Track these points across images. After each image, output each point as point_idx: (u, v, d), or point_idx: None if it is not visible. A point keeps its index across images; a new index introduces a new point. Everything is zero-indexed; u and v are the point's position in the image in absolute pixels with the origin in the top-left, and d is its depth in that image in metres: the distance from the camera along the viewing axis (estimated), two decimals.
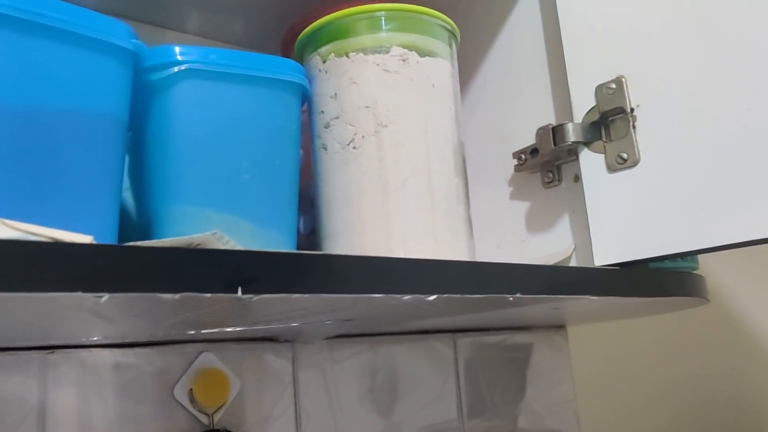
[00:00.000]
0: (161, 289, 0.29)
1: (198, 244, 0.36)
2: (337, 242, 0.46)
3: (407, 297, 0.37)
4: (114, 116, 0.40)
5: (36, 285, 0.27)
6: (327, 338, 0.71)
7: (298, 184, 0.47)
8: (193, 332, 0.58)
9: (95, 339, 0.56)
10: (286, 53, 0.64)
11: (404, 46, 0.46)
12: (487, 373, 0.84)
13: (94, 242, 0.31)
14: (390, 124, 0.45)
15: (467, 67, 0.65)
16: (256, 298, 0.32)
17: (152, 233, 0.43)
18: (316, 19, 0.57)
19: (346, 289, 0.35)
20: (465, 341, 0.82)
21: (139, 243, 0.33)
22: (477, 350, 0.83)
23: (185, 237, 0.35)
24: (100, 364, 0.58)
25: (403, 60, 0.46)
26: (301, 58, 0.51)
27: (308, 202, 0.53)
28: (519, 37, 0.61)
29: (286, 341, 0.69)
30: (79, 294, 0.27)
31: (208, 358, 0.63)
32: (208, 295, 0.30)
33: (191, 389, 0.61)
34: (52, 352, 0.56)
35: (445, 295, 0.39)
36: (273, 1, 0.66)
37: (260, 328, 0.60)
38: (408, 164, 0.45)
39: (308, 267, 0.34)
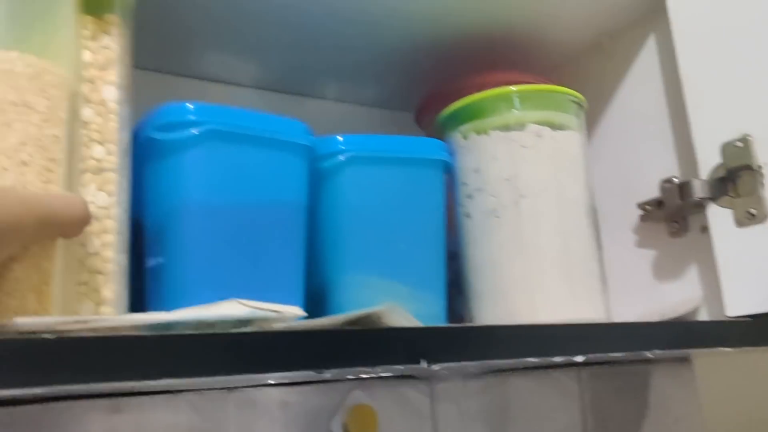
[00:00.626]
0: (365, 363, 0.36)
1: (377, 316, 0.43)
2: (484, 304, 0.51)
3: (558, 359, 0.42)
4: (298, 203, 0.48)
5: (273, 365, 0.34)
6: (462, 375, 0.76)
7: (445, 249, 0.53)
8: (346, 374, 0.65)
9: (265, 381, 0.65)
10: (420, 118, 0.71)
11: (538, 123, 0.51)
12: (612, 407, 0.86)
13: (303, 313, 0.38)
14: (529, 195, 0.50)
15: (588, 120, 0.69)
16: (436, 367, 0.38)
17: (325, 298, 0.51)
18: (449, 88, 0.63)
19: (507, 355, 0.40)
20: (589, 374, 0.85)
21: (332, 319, 0.40)
22: (601, 384, 0.86)
23: (366, 309, 0.42)
24: (269, 402, 0.66)
25: (538, 136, 0.51)
26: (441, 133, 0.57)
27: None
28: (639, 91, 0.65)
29: (425, 379, 0.75)
30: (306, 372, 0.34)
31: (358, 395, 0.70)
32: (401, 366, 0.37)
33: (345, 423, 0.68)
34: (230, 392, 0.65)
35: (593, 355, 0.43)
36: (403, 68, 0.73)
37: (401, 368, 0.66)
38: (546, 231, 0.50)
39: (476, 338, 0.39)
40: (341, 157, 0.50)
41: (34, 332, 0.30)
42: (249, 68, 0.71)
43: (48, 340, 0.29)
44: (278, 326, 0.38)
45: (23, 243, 0.32)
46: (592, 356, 0.60)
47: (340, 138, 0.51)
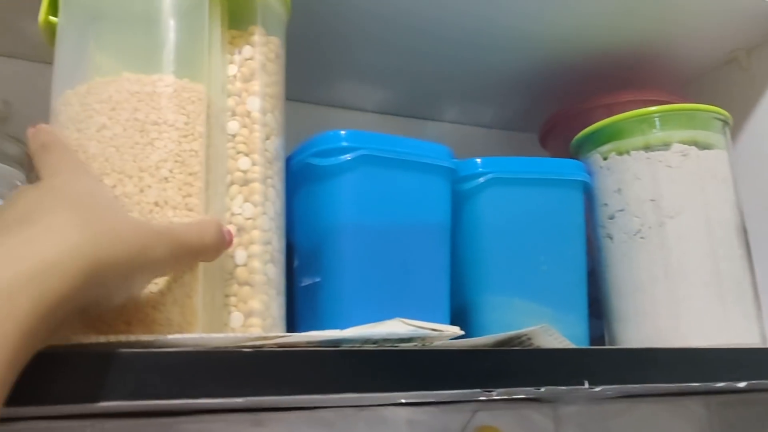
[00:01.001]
0: (531, 384, 0.36)
1: (527, 337, 0.43)
2: (627, 326, 0.50)
3: (720, 384, 0.41)
4: (443, 224, 0.49)
5: (442, 382, 0.35)
6: (587, 399, 0.75)
7: (586, 271, 0.53)
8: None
9: (394, 400, 0.66)
10: (545, 139, 0.71)
11: (684, 142, 0.51)
12: None
13: (462, 332, 0.39)
14: (675, 216, 0.50)
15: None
16: (598, 388, 0.38)
17: (467, 319, 0.51)
18: (578, 109, 0.63)
19: (669, 380, 0.40)
20: (718, 403, 0.82)
21: (482, 340, 0.40)
22: (732, 412, 0.82)
23: (515, 332, 0.42)
24: (397, 420, 0.67)
25: (684, 155, 0.50)
26: (576, 154, 0.57)
27: None
28: None
29: (548, 401, 0.74)
30: (476, 390, 0.35)
31: (483, 417, 0.70)
32: (564, 387, 0.37)
33: None
34: (362, 410, 0.66)
35: (756, 381, 0.42)
36: (526, 90, 0.73)
37: (525, 390, 0.66)
38: (694, 253, 0.49)
39: (639, 361, 0.39)
40: (481, 179, 0.51)
41: (223, 347, 0.32)
42: (376, 94, 0.74)
43: (246, 353, 0.31)
44: (438, 344, 0.39)
45: (161, 274, 0.33)
46: (747, 383, 0.58)
47: (478, 160, 0.52)
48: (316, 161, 0.46)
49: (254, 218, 0.40)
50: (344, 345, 0.36)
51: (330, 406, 0.65)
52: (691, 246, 0.49)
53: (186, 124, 0.37)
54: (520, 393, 0.37)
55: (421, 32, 0.61)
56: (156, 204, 0.35)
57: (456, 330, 0.39)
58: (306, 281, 0.48)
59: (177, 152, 0.36)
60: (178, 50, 0.39)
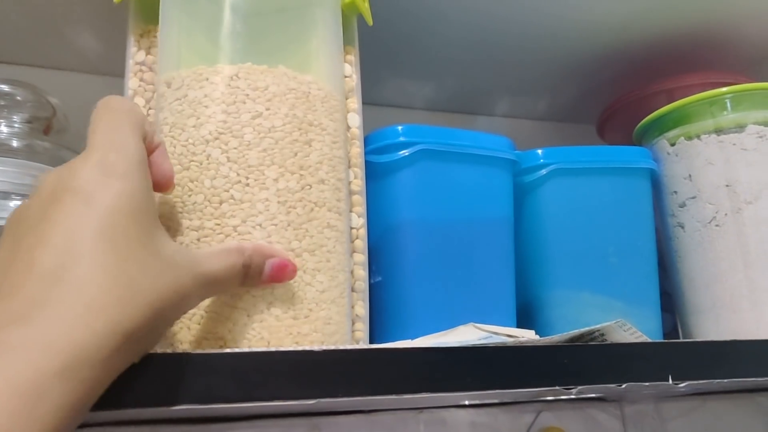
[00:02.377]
0: (612, 380, 0.34)
1: (600, 333, 0.41)
2: (703, 320, 0.48)
3: None
4: (506, 218, 0.47)
5: (522, 380, 0.33)
6: (654, 397, 0.72)
7: (657, 262, 0.50)
8: (533, 396, 0.63)
9: (455, 402, 0.64)
10: (602, 129, 0.68)
11: (760, 123, 0.48)
12: None
13: (538, 337, 0.37)
14: (753, 201, 0.47)
15: None
16: (683, 385, 0.36)
17: (533, 316, 0.49)
18: (638, 95, 0.61)
19: (756, 373, 0.37)
20: None
21: (555, 338, 0.38)
22: None
23: (587, 328, 0.40)
24: (458, 422, 0.65)
25: (761, 137, 0.47)
26: (640, 142, 0.55)
27: None
28: None
29: (613, 401, 0.71)
30: (556, 388, 0.33)
31: (547, 418, 0.68)
32: (647, 384, 0.35)
33: None
34: (421, 412, 0.65)
35: None
36: (580, 80, 0.71)
37: (589, 388, 0.63)
38: None
39: (723, 354, 0.37)
40: (543, 171, 0.49)
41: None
42: (424, 91, 0.72)
43: (316, 352, 0.30)
44: (512, 341, 0.37)
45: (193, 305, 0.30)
46: None
47: (540, 151, 0.50)
48: (374, 158, 0.45)
49: (359, 228, 0.41)
50: None
51: (388, 409, 0.64)
52: None
53: (335, 131, 0.38)
54: (601, 390, 0.35)
55: (470, 25, 0.59)
56: (316, 204, 0.35)
57: (532, 334, 0.38)
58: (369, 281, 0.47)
59: (330, 156, 0.37)
60: (328, 58, 0.39)
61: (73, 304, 0.24)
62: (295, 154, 0.35)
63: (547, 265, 0.49)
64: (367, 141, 0.46)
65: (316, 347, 0.31)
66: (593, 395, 0.69)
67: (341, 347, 0.31)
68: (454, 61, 0.65)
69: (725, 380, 0.36)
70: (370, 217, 0.46)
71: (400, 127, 0.45)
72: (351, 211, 0.40)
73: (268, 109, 0.35)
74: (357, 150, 0.41)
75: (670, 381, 0.35)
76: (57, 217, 0.26)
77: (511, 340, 0.36)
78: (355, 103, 0.42)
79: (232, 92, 0.35)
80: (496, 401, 0.66)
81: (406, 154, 0.44)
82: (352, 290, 0.38)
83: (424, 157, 0.44)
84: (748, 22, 0.62)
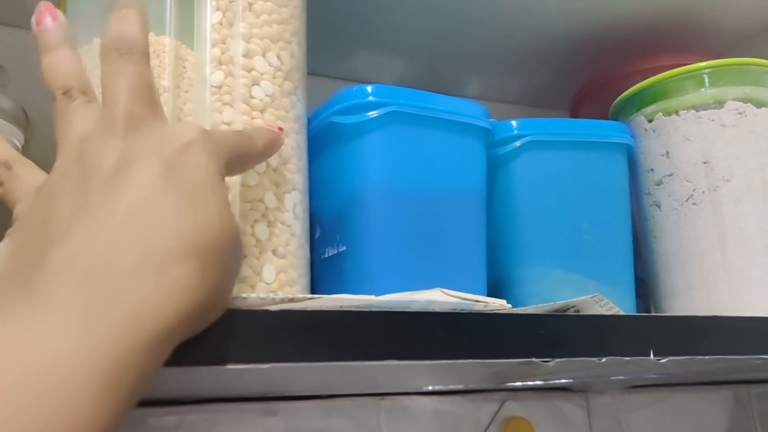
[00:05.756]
0: (591, 354, 0.32)
1: (575, 308, 0.39)
2: (679, 300, 0.46)
3: None
4: (478, 190, 0.45)
5: (491, 350, 0.31)
6: (620, 388, 0.71)
7: (632, 241, 0.49)
8: (497, 383, 0.61)
9: (417, 388, 0.62)
10: (575, 110, 0.67)
11: (739, 100, 0.46)
12: None
13: (509, 306, 0.35)
14: (731, 179, 0.45)
15: None
16: (664, 360, 0.34)
17: (504, 293, 0.47)
18: (613, 75, 0.59)
19: (739, 351, 0.35)
20: (758, 392, 0.77)
21: (531, 312, 0.36)
22: None
23: (562, 302, 0.38)
24: (420, 410, 0.63)
25: (740, 113, 0.46)
26: (616, 119, 0.53)
27: None
28: None
29: (579, 391, 0.70)
30: (532, 359, 0.31)
31: (512, 407, 0.66)
32: (627, 358, 0.33)
33: None
34: (382, 399, 0.62)
35: None
36: (552, 63, 0.69)
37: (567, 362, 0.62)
38: (753, 218, 0.45)
39: (705, 330, 0.35)
40: (517, 143, 0.47)
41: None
42: (395, 67, 0.70)
43: (272, 313, 0.27)
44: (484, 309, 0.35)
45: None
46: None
47: (514, 123, 0.48)
48: (340, 119, 0.42)
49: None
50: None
51: (348, 395, 0.61)
52: (748, 211, 0.45)
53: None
54: (578, 364, 0.33)
55: (442, 2, 0.57)
56: None
57: (503, 303, 0.35)
58: (329, 252, 0.44)
59: None
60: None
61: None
62: None
63: (520, 240, 0.47)
64: (333, 100, 0.43)
65: (273, 307, 0.27)
66: (559, 384, 0.67)
67: (296, 307, 0.28)
68: (425, 37, 0.63)
69: (706, 357, 0.34)
70: (335, 183, 0.43)
71: (369, 87, 0.42)
72: None
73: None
74: (240, 81, 0.37)
75: (652, 356, 0.33)
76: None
77: (480, 305, 0.33)
78: (240, 28, 0.38)
79: None
80: (460, 388, 0.64)
81: (376, 115, 0.41)
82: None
83: (395, 119, 0.42)
84: (722, 8, 0.61)
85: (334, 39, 0.64)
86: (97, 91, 0.30)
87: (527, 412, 0.66)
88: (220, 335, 0.26)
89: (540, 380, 0.59)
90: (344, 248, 0.42)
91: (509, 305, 0.34)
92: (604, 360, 0.32)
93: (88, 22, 0.38)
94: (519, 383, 0.63)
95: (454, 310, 0.34)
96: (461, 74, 0.72)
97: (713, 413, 0.74)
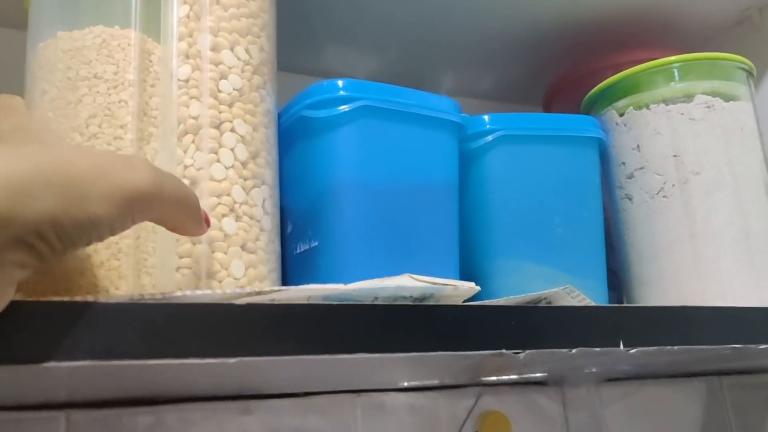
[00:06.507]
0: (562, 345, 0.32)
1: (547, 299, 0.39)
2: (650, 291, 0.47)
3: (763, 346, 0.37)
4: (450, 184, 0.45)
5: (463, 342, 0.31)
6: (594, 382, 0.71)
7: (604, 234, 0.49)
8: (473, 378, 0.61)
9: (393, 384, 0.62)
10: (548, 105, 0.67)
11: (708, 93, 0.47)
12: (757, 417, 0.79)
13: (478, 288, 0.35)
14: (700, 172, 0.46)
15: None
16: (634, 350, 0.34)
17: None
18: (585, 70, 0.59)
19: (707, 341, 0.36)
20: (731, 383, 0.78)
21: (503, 303, 0.36)
22: (743, 393, 0.79)
23: (534, 293, 0.38)
24: (397, 406, 0.63)
25: (709, 107, 0.47)
26: (588, 113, 0.53)
27: None
28: None
29: (555, 385, 0.70)
30: (503, 351, 0.31)
31: (488, 401, 0.66)
32: (597, 349, 0.33)
33: (478, 430, 0.64)
34: (358, 395, 0.62)
35: None
36: (525, 57, 0.69)
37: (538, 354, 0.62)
38: (722, 210, 0.45)
39: (674, 320, 0.35)
40: (489, 137, 0.47)
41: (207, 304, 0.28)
42: (367, 62, 0.69)
43: (238, 307, 0.27)
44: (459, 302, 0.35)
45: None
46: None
47: (486, 117, 0.48)
48: (311, 113, 0.42)
49: (204, 168, 0.35)
50: (350, 301, 0.32)
51: (324, 392, 0.60)
52: (717, 203, 0.45)
53: (115, 74, 0.35)
54: (549, 356, 0.33)
55: None
56: None
57: (472, 286, 0.35)
58: (301, 247, 0.43)
59: (106, 105, 0.34)
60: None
61: None
62: (67, 117, 0.34)
63: (492, 234, 0.47)
64: (305, 95, 0.43)
65: (240, 301, 0.27)
66: (535, 378, 0.67)
67: (265, 301, 0.28)
68: (395, 32, 0.63)
69: (675, 347, 0.34)
70: (306, 177, 0.43)
71: (340, 82, 0.42)
72: (199, 150, 0.36)
73: (48, 82, 0.36)
74: (207, 75, 0.37)
75: (621, 347, 0.33)
76: None
77: (449, 288, 0.33)
78: (207, 21, 0.38)
79: (31, 77, 0.37)
80: (435, 383, 0.64)
81: (347, 109, 0.41)
82: (199, 243, 0.35)
83: (366, 114, 0.41)
84: (691, 2, 0.62)
85: (307, 34, 0.63)
86: (66, 92, 0.30)
87: (503, 406, 0.66)
88: (185, 330, 0.25)
89: (515, 374, 0.59)
90: (316, 243, 0.42)
91: (478, 287, 0.34)
92: (574, 351, 0.32)
93: (51, 16, 0.38)
94: (494, 378, 0.63)
95: (424, 294, 0.34)
96: (435, 69, 0.72)
97: (687, 405, 0.75)
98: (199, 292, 0.29)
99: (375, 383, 0.60)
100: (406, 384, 0.60)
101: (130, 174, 0.25)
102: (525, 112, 0.76)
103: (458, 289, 0.34)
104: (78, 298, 0.25)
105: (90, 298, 0.26)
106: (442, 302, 0.34)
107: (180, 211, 0.29)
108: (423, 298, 0.34)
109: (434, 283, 0.34)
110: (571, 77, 0.62)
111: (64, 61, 0.35)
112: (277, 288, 0.30)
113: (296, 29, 0.61)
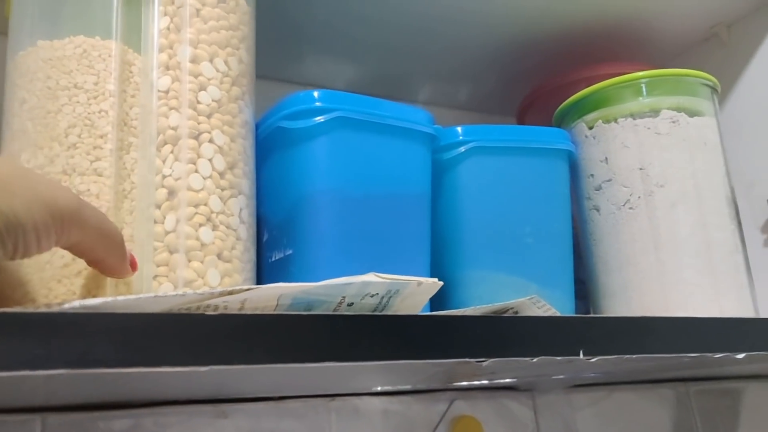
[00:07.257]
0: (524, 353, 0.33)
1: (514, 309, 0.40)
2: (615, 301, 0.48)
3: (719, 355, 0.39)
4: (423, 194, 0.46)
5: (430, 351, 0.32)
6: (564, 387, 0.73)
7: (573, 244, 0.50)
8: (445, 383, 0.63)
9: (367, 389, 0.63)
10: (522, 117, 0.68)
11: (673, 109, 0.49)
12: (723, 423, 0.81)
13: (441, 283, 0.35)
14: (664, 185, 0.47)
15: None
16: (594, 359, 0.35)
17: (447, 295, 0.48)
18: (558, 83, 0.61)
19: (667, 350, 0.37)
20: (697, 390, 0.80)
21: (470, 313, 0.37)
22: (710, 399, 0.81)
23: (501, 303, 0.39)
24: (371, 411, 0.64)
25: (674, 122, 0.48)
26: (559, 125, 0.55)
27: None
28: (763, 83, 0.61)
29: (526, 390, 0.72)
30: (467, 360, 0.32)
31: (460, 406, 0.67)
32: (559, 358, 0.34)
33: None
34: (333, 400, 0.63)
35: (755, 353, 0.40)
36: (500, 69, 0.71)
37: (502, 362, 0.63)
38: (685, 222, 0.47)
39: (634, 330, 0.36)
40: (462, 149, 0.48)
41: (185, 309, 0.29)
42: (345, 72, 0.70)
43: (212, 316, 0.28)
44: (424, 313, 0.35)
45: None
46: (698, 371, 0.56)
47: (459, 128, 0.49)
48: (287, 124, 0.43)
49: (182, 177, 0.36)
50: (319, 309, 0.33)
51: (298, 396, 0.61)
52: (681, 216, 0.47)
53: (95, 84, 0.36)
54: (513, 364, 0.34)
55: (392, 6, 0.58)
56: (64, 172, 0.34)
57: (435, 281, 0.36)
58: (276, 255, 0.44)
59: (86, 115, 0.35)
60: (88, 9, 0.38)
61: None
62: (46, 127, 0.35)
63: (463, 244, 0.48)
64: (281, 106, 0.44)
65: (212, 302, 0.28)
66: (506, 383, 0.69)
67: (237, 301, 0.28)
68: (373, 43, 0.64)
69: (634, 356, 0.36)
70: (282, 187, 0.44)
71: (316, 93, 0.43)
72: (177, 160, 0.37)
73: (28, 92, 0.36)
74: (186, 86, 0.38)
75: (581, 355, 0.34)
76: None
77: (413, 283, 0.34)
78: (187, 33, 0.39)
79: (10, 87, 0.38)
80: (408, 388, 0.65)
81: (322, 120, 0.42)
82: (177, 252, 0.35)
83: (341, 125, 0.42)
84: (660, 18, 0.64)
85: (285, 43, 0.64)
86: (46, 101, 0.31)
87: (475, 411, 0.68)
88: (158, 338, 0.26)
89: (485, 380, 0.60)
90: (290, 251, 0.42)
91: (441, 282, 0.35)
92: (536, 360, 0.33)
93: (32, 25, 0.38)
94: (465, 383, 0.64)
95: (390, 290, 0.34)
96: (411, 79, 0.73)
97: (655, 411, 0.76)
98: (171, 293, 0.30)
99: (349, 388, 0.61)
100: (379, 389, 0.61)
101: (55, 190, 0.27)
102: (500, 123, 0.78)
103: (422, 285, 0.34)
104: (55, 308, 0.26)
105: (66, 306, 0.26)
106: (407, 299, 0.35)
107: (101, 242, 0.29)
108: (389, 296, 0.35)
109: (398, 280, 0.35)
110: (545, 89, 0.63)
111: (44, 71, 0.36)
112: (247, 287, 0.30)
113: (277, 39, 0.62)
